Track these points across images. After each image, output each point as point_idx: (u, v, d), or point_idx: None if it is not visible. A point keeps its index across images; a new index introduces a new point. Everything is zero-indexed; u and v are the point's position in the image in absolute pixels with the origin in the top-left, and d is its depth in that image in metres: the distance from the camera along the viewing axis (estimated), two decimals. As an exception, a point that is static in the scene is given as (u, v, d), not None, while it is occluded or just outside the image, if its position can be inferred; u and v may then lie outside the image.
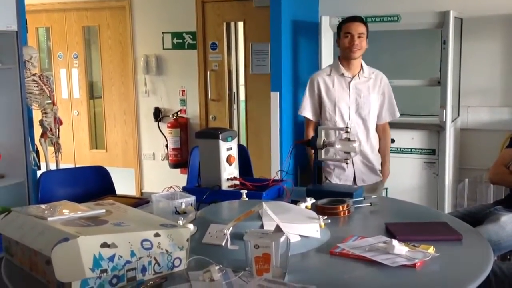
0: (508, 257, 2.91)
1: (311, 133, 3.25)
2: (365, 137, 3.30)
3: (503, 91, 4.62)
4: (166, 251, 1.74)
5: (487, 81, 4.67)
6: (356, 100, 3.26)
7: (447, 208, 4.38)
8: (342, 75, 3.28)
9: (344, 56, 3.28)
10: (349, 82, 3.27)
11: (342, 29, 3.24)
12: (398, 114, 3.42)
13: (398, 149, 4.48)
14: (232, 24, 5.73)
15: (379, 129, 3.39)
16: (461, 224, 2.32)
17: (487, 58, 4.63)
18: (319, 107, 3.36)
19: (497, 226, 2.70)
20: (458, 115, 4.70)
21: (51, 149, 4.74)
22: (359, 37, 3.20)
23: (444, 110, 4.28)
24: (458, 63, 4.60)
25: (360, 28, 3.21)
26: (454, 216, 2.72)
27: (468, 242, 2.08)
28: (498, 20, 4.54)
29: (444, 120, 4.29)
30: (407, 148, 4.46)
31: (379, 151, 3.41)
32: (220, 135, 2.63)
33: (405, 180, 4.46)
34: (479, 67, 4.66)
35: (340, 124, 3.24)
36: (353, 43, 3.19)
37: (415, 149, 4.45)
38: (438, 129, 4.35)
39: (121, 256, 1.62)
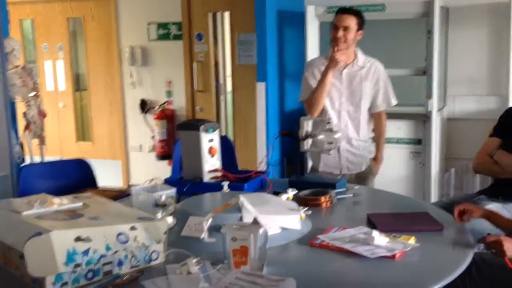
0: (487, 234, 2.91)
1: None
2: (354, 125, 3.32)
3: (490, 80, 4.61)
4: (143, 244, 1.72)
5: (474, 70, 4.66)
6: (348, 88, 3.28)
7: (433, 198, 4.38)
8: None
9: (332, 48, 3.28)
10: (342, 71, 3.27)
11: (333, 21, 3.28)
12: (394, 102, 3.43)
13: (385, 139, 4.46)
14: (218, 14, 5.68)
15: (375, 118, 3.43)
16: (442, 214, 2.32)
17: (473, 47, 4.62)
18: None
19: (480, 216, 2.69)
20: (445, 104, 4.69)
21: (35, 141, 4.69)
22: (344, 29, 3.20)
23: (430, 100, 4.27)
24: (444, 52, 4.59)
25: (347, 20, 3.21)
26: (438, 206, 2.72)
27: (449, 232, 2.08)
28: (484, 9, 4.53)
29: (430, 110, 4.28)
30: (393, 138, 4.45)
31: (373, 139, 3.45)
32: (201, 127, 2.60)
33: (391, 170, 4.45)
34: (466, 56, 4.65)
35: (330, 111, 3.26)
36: (336, 35, 3.20)
37: (401, 139, 4.44)
38: (424, 119, 4.34)
39: (95, 250, 1.60)
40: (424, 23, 4.36)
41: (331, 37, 3.27)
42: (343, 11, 3.26)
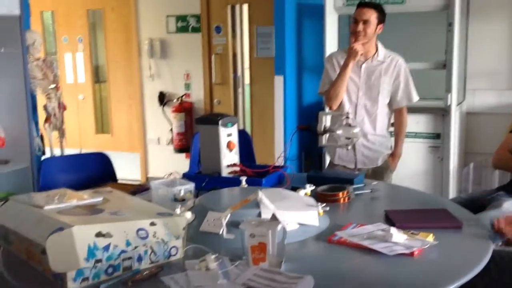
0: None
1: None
2: (371, 120, 3.30)
3: (510, 73, 4.56)
4: (162, 240, 1.73)
5: (494, 63, 4.61)
6: (366, 83, 3.26)
7: (451, 192, 4.35)
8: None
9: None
10: (361, 65, 3.26)
11: (354, 14, 3.26)
12: (416, 98, 3.38)
13: (404, 136, 4.43)
14: (237, 7, 5.67)
15: (395, 114, 3.40)
16: (461, 211, 2.30)
17: (494, 40, 4.57)
18: None
19: (499, 212, 2.66)
20: (464, 98, 4.65)
21: (55, 134, 4.75)
22: (364, 23, 3.18)
23: (450, 94, 4.24)
24: (464, 45, 4.54)
25: (367, 14, 3.18)
26: (456, 202, 2.70)
27: (468, 230, 2.07)
28: (505, 1, 4.46)
29: (449, 104, 4.25)
30: (411, 132, 4.42)
31: (392, 134, 3.43)
32: (219, 121, 2.61)
33: (409, 164, 4.43)
34: (486, 49, 4.60)
35: (347, 105, 3.25)
36: (355, 29, 3.18)
37: (420, 133, 4.42)
38: (443, 113, 4.31)
39: (116, 246, 1.62)
40: (444, 15, 4.31)
41: (351, 31, 3.25)
42: (363, 4, 3.24)
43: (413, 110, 4.44)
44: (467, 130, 4.69)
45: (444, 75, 4.34)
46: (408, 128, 4.40)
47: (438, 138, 4.36)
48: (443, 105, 4.32)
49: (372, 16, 3.18)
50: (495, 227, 2.04)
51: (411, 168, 4.41)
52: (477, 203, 2.84)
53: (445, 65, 4.30)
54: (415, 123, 4.40)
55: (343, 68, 3.17)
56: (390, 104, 3.34)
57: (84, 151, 6.41)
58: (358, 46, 3.13)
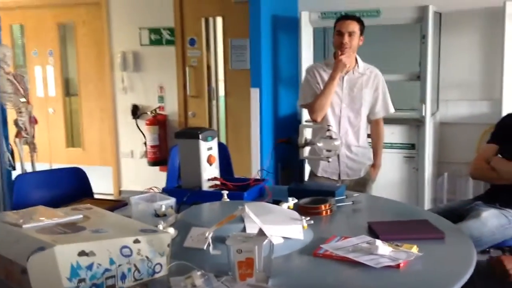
0: (488, 250, 2.92)
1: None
2: (354, 131, 3.33)
3: (482, 84, 4.64)
4: (146, 257, 1.69)
5: (466, 75, 4.69)
6: (349, 95, 3.29)
7: (427, 202, 4.39)
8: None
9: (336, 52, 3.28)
10: (343, 77, 3.27)
11: (335, 27, 3.27)
12: (392, 110, 3.46)
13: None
14: (211, 19, 5.67)
15: (373, 124, 3.45)
16: (442, 222, 2.31)
17: (466, 52, 4.65)
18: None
19: (479, 222, 2.70)
20: (438, 109, 4.71)
21: (26, 148, 4.64)
22: (349, 35, 3.21)
23: (424, 105, 4.29)
24: (437, 58, 4.61)
25: (351, 26, 3.22)
26: (435, 212, 2.72)
27: (451, 240, 2.08)
28: (476, 14, 4.56)
29: (423, 114, 4.30)
30: (387, 143, 4.44)
31: (371, 145, 3.47)
32: (200, 135, 2.58)
33: (385, 175, 4.44)
34: (458, 61, 4.68)
35: (331, 117, 3.27)
36: (342, 41, 3.20)
37: (395, 143, 4.46)
38: (418, 124, 4.36)
39: (99, 264, 1.58)
40: (418, 28, 4.37)
41: (335, 43, 3.26)
42: (347, 17, 3.28)
43: (388, 121, 4.48)
44: (441, 140, 4.75)
45: (418, 86, 4.40)
46: (384, 139, 4.47)
47: (413, 148, 4.41)
48: (417, 115, 4.37)
49: (356, 27, 3.22)
50: (496, 268, 2.04)
51: (387, 178, 4.44)
52: (455, 213, 2.87)
53: (419, 77, 4.36)
54: (391, 133, 4.44)
55: (330, 80, 3.18)
56: (368, 116, 3.37)
57: (54, 165, 6.30)
58: (345, 59, 3.15)
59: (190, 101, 5.78)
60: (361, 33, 3.27)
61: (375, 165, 3.47)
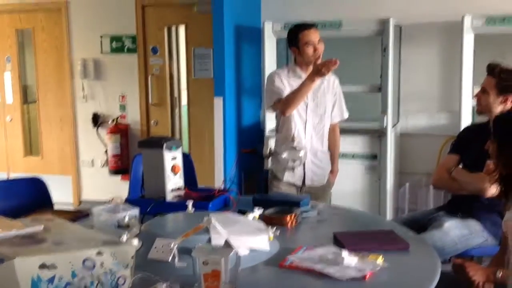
0: (449, 260, 2.96)
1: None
2: (318, 136, 3.37)
3: (441, 96, 4.73)
4: (110, 270, 1.65)
5: (425, 87, 4.77)
6: (313, 100, 3.32)
7: (389, 211, 4.44)
8: (300, 77, 3.27)
9: (307, 62, 3.26)
10: None
11: (301, 39, 3.23)
12: (346, 115, 3.54)
13: (341, 154, 4.47)
14: (173, 28, 5.63)
15: (330, 129, 3.48)
16: (406, 232, 2.34)
17: (425, 65, 4.74)
18: None
19: (441, 232, 2.74)
20: (398, 120, 4.78)
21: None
22: (319, 43, 3.24)
23: (385, 116, 4.35)
24: (397, 70, 4.69)
25: (317, 34, 3.26)
26: (398, 222, 2.75)
27: (415, 251, 2.10)
28: (435, 28, 4.65)
29: (385, 125, 4.35)
30: (349, 153, 4.50)
31: (329, 150, 3.50)
32: (164, 144, 2.55)
33: (347, 185, 4.49)
34: (418, 73, 4.76)
35: (298, 122, 3.28)
36: (316, 50, 3.22)
37: (357, 154, 4.50)
38: (379, 134, 4.41)
39: (61, 278, 1.53)
40: (379, 41, 4.44)
41: (307, 55, 3.22)
42: (311, 25, 3.30)
43: (350, 131, 4.54)
44: (402, 151, 4.81)
45: (379, 97, 4.46)
46: (345, 149, 4.50)
47: (375, 158, 4.45)
48: (378, 126, 4.42)
49: (319, 35, 3.27)
50: (459, 275, 2.08)
51: (350, 188, 4.48)
52: (418, 223, 2.90)
53: (380, 88, 4.42)
54: (353, 144, 4.49)
55: (309, 82, 3.09)
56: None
57: (12, 174, 6.14)
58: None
59: (152, 110, 5.72)
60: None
61: (333, 171, 3.53)
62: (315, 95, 3.32)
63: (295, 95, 3.16)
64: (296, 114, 3.29)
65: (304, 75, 3.25)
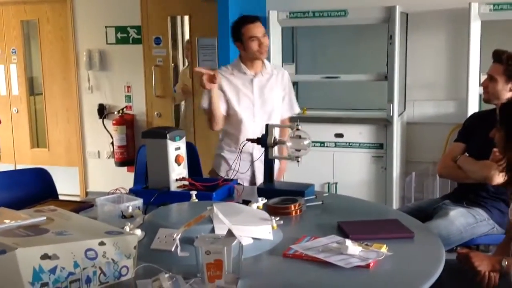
0: (455, 249, 2.95)
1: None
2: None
3: (448, 85, 4.70)
4: (112, 260, 1.65)
5: (432, 75, 4.74)
6: (260, 97, 3.17)
7: (395, 201, 4.43)
8: (245, 73, 3.16)
9: (253, 57, 3.13)
10: (252, 80, 3.16)
11: (244, 33, 3.07)
12: (297, 110, 3.39)
13: (347, 144, 4.50)
14: (179, 18, 5.61)
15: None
16: (411, 221, 2.32)
17: (432, 52, 4.70)
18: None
19: (446, 221, 2.73)
20: (405, 109, 4.76)
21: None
22: (263, 36, 3.09)
23: (391, 105, 4.32)
24: (404, 58, 4.65)
25: (261, 27, 3.10)
26: (404, 211, 2.73)
27: (420, 239, 2.08)
28: (442, 15, 4.61)
29: (391, 114, 4.33)
30: (355, 143, 4.48)
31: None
32: (168, 135, 2.54)
33: (353, 174, 4.49)
34: (425, 61, 4.73)
35: (245, 121, 3.14)
36: (261, 45, 3.07)
37: (363, 143, 4.48)
38: (385, 124, 4.39)
39: (63, 268, 1.53)
40: (385, 29, 4.40)
41: (252, 49, 3.06)
42: (253, 20, 3.11)
43: (356, 121, 4.54)
44: (408, 139, 4.79)
45: (385, 86, 4.43)
46: (351, 139, 4.49)
47: (381, 148, 4.43)
48: (385, 115, 4.40)
49: (263, 27, 3.13)
50: (464, 264, 2.08)
51: (355, 178, 4.47)
52: (424, 212, 2.89)
53: (387, 77, 4.38)
54: (358, 133, 4.47)
55: (207, 91, 3.03)
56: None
57: (19, 166, 6.16)
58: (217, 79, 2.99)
59: (156, 102, 5.68)
60: None
61: (281, 168, 3.31)
62: (261, 91, 3.16)
63: (211, 109, 3.06)
64: (243, 113, 3.13)
65: (249, 72, 3.14)
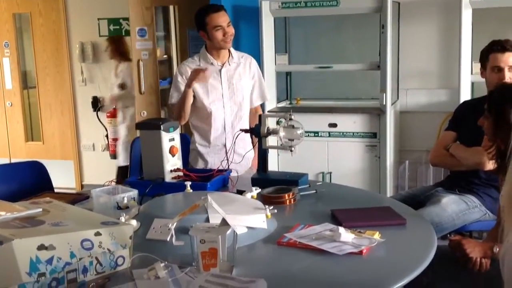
0: (448, 235, 2.98)
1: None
2: (240, 124, 3.15)
3: (440, 73, 4.72)
4: (108, 250, 1.67)
5: (424, 64, 4.76)
6: (229, 87, 3.15)
7: (389, 189, 4.46)
8: (212, 64, 3.13)
9: (218, 47, 3.10)
10: (220, 70, 3.14)
11: (208, 22, 3.03)
12: (268, 97, 3.38)
13: (341, 133, 4.52)
14: (171, 8, 5.58)
15: (252, 113, 3.26)
16: (404, 208, 2.35)
17: (424, 41, 4.72)
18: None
19: (439, 208, 2.75)
20: (398, 98, 4.78)
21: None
22: (228, 26, 3.06)
23: (384, 94, 4.34)
24: (396, 47, 4.67)
25: (226, 16, 3.06)
26: (397, 199, 2.76)
27: (412, 226, 2.11)
28: (433, 4, 4.63)
29: (384, 103, 4.35)
30: (349, 132, 4.50)
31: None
32: (162, 126, 2.56)
33: (348, 163, 4.51)
34: (417, 50, 4.75)
35: (215, 113, 3.12)
36: (226, 34, 3.04)
37: (357, 132, 4.50)
38: (379, 113, 4.41)
39: (60, 258, 1.55)
40: (377, 18, 4.42)
41: (217, 38, 3.03)
42: (218, 9, 3.06)
43: (350, 110, 4.56)
44: (401, 128, 4.82)
45: (378, 75, 4.45)
46: (345, 128, 4.51)
47: (374, 137, 4.46)
48: (378, 105, 4.42)
49: (228, 16, 3.08)
50: (456, 251, 2.11)
51: (349, 167, 4.50)
52: (417, 200, 2.92)
53: (379, 66, 4.40)
54: (352, 123, 4.49)
55: (187, 88, 3.01)
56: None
57: (14, 160, 6.16)
58: (208, 74, 3.00)
59: (141, 99, 5.17)
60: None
61: (253, 165, 3.15)
62: (230, 82, 3.13)
63: (180, 105, 3.04)
64: (213, 106, 3.10)
65: (215, 62, 3.11)
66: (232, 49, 3.18)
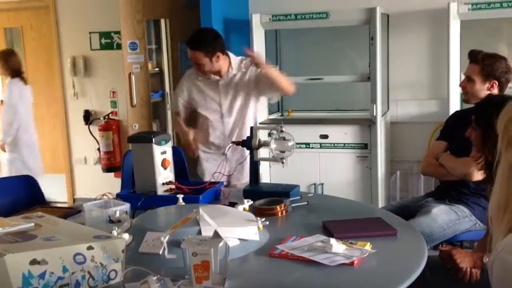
0: (440, 245, 3.00)
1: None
2: (242, 132, 3.23)
3: (430, 84, 4.76)
4: (101, 264, 1.67)
5: (414, 75, 4.80)
6: (226, 98, 3.24)
7: (381, 200, 4.48)
8: (209, 78, 3.23)
9: None
10: (218, 82, 3.24)
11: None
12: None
13: (332, 145, 4.54)
14: (162, 22, 5.59)
15: (270, 82, 3.18)
16: (395, 219, 2.37)
17: (413, 52, 4.76)
18: (188, 106, 3.36)
19: (429, 218, 2.77)
20: (388, 109, 4.81)
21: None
22: (197, 62, 3.14)
23: (375, 105, 4.37)
24: (386, 58, 4.71)
25: (192, 53, 3.13)
26: (388, 210, 2.78)
27: (403, 237, 2.13)
28: (422, 15, 4.67)
29: (375, 114, 4.38)
30: (340, 143, 4.53)
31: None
32: (153, 139, 2.57)
33: (339, 174, 4.53)
34: (406, 61, 4.79)
35: (215, 124, 3.27)
36: (199, 67, 3.17)
37: (348, 144, 4.52)
38: (369, 124, 4.44)
39: (52, 273, 1.55)
40: (366, 30, 4.46)
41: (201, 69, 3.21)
42: (189, 43, 3.16)
43: (341, 121, 4.59)
44: (392, 139, 4.85)
45: (368, 87, 4.48)
46: (336, 139, 4.54)
47: (365, 148, 4.48)
48: (369, 116, 4.45)
49: (199, 56, 3.11)
50: (446, 261, 2.12)
51: (341, 178, 4.51)
52: (407, 210, 2.93)
53: (369, 78, 4.44)
54: (343, 134, 4.52)
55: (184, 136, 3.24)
56: (260, 93, 3.31)
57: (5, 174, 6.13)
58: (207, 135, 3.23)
59: (133, 112, 5.17)
60: (213, 51, 3.11)
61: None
62: (227, 92, 3.23)
63: (177, 130, 3.32)
64: (211, 116, 3.27)
65: (213, 76, 3.23)
66: (232, 57, 3.25)
